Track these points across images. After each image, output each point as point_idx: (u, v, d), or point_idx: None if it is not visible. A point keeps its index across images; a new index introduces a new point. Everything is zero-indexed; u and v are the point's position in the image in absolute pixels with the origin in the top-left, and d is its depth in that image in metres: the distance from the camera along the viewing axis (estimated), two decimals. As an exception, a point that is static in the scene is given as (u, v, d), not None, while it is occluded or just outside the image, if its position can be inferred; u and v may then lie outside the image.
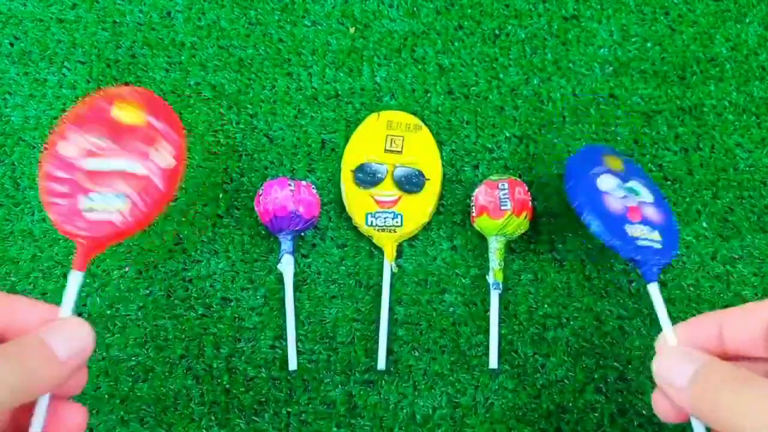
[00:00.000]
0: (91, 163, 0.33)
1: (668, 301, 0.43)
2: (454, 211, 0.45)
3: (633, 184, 0.40)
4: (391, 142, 0.45)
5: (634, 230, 0.36)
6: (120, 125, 0.34)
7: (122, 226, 0.32)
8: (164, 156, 0.34)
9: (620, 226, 0.36)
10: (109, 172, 0.33)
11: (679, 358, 0.28)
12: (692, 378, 0.27)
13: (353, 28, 0.49)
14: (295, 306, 0.42)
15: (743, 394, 0.24)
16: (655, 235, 0.37)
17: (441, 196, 0.45)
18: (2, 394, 0.23)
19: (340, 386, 0.41)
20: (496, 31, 0.49)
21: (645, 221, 0.37)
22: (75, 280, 0.30)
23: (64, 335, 0.26)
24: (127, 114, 0.34)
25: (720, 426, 0.25)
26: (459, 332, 0.42)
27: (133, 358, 0.42)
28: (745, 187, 0.45)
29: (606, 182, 0.39)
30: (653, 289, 0.34)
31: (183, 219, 0.45)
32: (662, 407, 0.29)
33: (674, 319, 0.43)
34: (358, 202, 0.44)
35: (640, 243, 0.36)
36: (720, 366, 0.27)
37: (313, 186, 0.43)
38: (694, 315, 0.42)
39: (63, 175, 0.32)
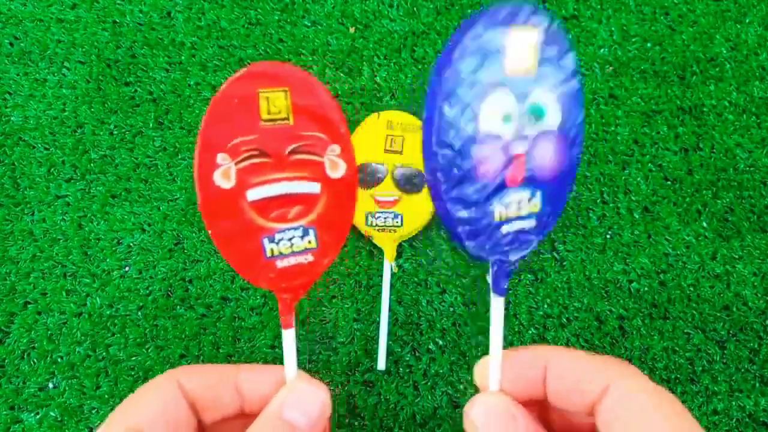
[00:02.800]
0: (257, 193, 0.26)
1: (668, 301, 0.43)
2: (454, 211, 0.45)
3: (539, 96, 0.25)
4: (391, 142, 0.45)
5: (506, 209, 0.25)
6: (273, 127, 0.25)
7: (319, 267, 0.27)
8: (336, 163, 0.26)
9: (485, 204, 0.24)
10: (278, 197, 0.26)
11: (499, 418, 0.24)
12: None
13: (353, 28, 0.49)
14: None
15: None
16: (533, 205, 0.25)
17: (441, 196, 0.45)
18: None
19: (340, 386, 0.41)
20: (496, 31, 0.49)
21: (528, 181, 0.25)
22: (290, 338, 0.26)
23: (302, 407, 0.25)
24: (279, 108, 0.25)
25: None
26: (459, 332, 0.42)
27: (133, 358, 0.42)
28: (745, 187, 0.45)
29: (494, 110, 0.24)
30: (497, 306, 0.26)
31: (183, 219, 0.45)
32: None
33: (675, 320, 0.43)
34: (358, 202, 0.44)
35: (506, 230, 0.25)
36: None
37: (314, 186, 0.43)
38: (694, 315, 0.42)
39: (230, 216, 0.25)
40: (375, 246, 0.44)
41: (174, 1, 0.50)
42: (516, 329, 0.42)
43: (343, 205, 0.26)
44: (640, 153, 0.46)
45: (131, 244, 0.44)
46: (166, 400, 0.25)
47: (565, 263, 0.44)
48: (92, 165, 0.46)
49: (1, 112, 0.47)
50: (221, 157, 0.25)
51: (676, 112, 0.47)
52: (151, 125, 0.46)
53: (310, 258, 0.26)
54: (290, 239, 0.26)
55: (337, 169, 0.26)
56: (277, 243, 0.26)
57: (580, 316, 0.42)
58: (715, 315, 0.43)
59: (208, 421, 0.26)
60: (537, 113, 0.25)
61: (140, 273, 0.44)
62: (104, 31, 0.49)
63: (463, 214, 0.24)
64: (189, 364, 0.41)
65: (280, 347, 0.42)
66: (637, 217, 0.45)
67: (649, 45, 0.49)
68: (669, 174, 0.46)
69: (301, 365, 0.41)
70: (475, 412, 0.25)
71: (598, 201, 0.45)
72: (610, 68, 0.48)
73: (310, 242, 0.26)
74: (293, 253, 0.26)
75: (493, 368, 0.26)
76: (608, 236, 0.44)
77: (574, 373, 0.24)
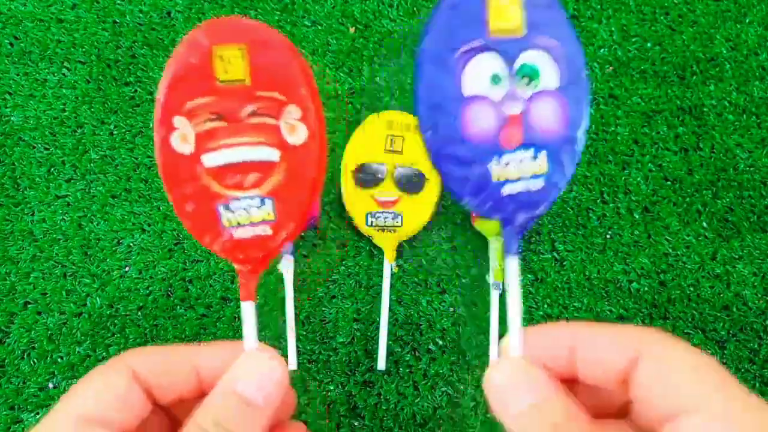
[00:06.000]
0: (213, 158, 0.25)
1: (668, 301, 0.43)
2: (454, 211, 0.45)
3: (529, 56, 0.24)
4: (391, 142, 0.45)
5: (504, 169, 0.24)
6: (230, 88, 0.24)
7: (277, 240, 0.25)
8: (295, 126, 0.25)
9: (482, 163, 0.24)
10: (235, 164, 0.25)
11: (520, 381, 0.23)
12: (526, 411, 0.23)
13: (353, 28, 0.49)
14: (295, 306, 0.42)
15: None
16: (538, 166, 0.24)
17: (441, 196, 0.45)
18: None
19: (340, 386, 0.41)
20: (496, 31, 0.49)
21: (528, 141, 0.24)
22: (249, 311, 0.25)
23: (257, 380, 0.24)
24: (236, 68, 0.24)
25: None
26: (459, 332, 0.42)
27: (133, 358, 0.42)
28: (745, 187, 0.45)
29: (477, 72, 0.24)
30: (512, 266, 0.25)
31: (183, 219, 0.45)
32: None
33: (675, 320, 0.43)
34: (358, 202, 0.44)
35: (509, 191, 0.24)
36: (559, 408, 0.23)
37: (313, 186, 0.43)
38: (694, 315, 0.42)
39: (188, 181, 0.24)
40: (375, 246, 0.44)
41: (174, 1, 0.50)
42: (516, 329, 0.42)
43: (303, 176, 0.25)
44: (640, 153, 0.46)
45: (131, 244, 0.44)
46: (118, 385, 0.24)
47: (565, 263, 0.44)
48: (92, 165, 0.46)
49: (1, 112, 0.47)
50: (179, 121, 0.24)
51: (676, 112, 0.47)
52: (151, 125, 0.46)
53: (268, 230, 0.25)
54: (247, 209, 0.25)
55: (295, 134, 0.25)
56: (234, 212, 0.25)
57: (580, 316, 0.42)
58: (715, 315, 0.43)
59: (165, 402, 0.25)
60: (530, 74, 0.24)
61: (140, 273, 0.44)
62: (104, 31, 0.49)
63: (459, 173, 0.24)
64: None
65: (281, 347, 0.42)
66: (637, 217, 0.45)
67: (649, 45, 0.49)
68: (669, 174, 0.46)
69: (301, 365, 0.41)
70: (494, 374, 0.24)
71: (598, 201, 0.45)
72: (610, 68, 0.48)
73: (268, 214, 0.25)
74: (251, 224, 0.25)
75: (513, 334, 0.24)
76: (608, 236, 0.44)
77: (603, 343, 0.23)
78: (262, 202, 0.25)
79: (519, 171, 0.24)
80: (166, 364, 0.25)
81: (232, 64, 0.24)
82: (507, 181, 0.24)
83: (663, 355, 0.22)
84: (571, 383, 0.25)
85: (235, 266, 0.25)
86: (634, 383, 0.22)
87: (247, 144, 0.24)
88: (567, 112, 0.24)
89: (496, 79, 0.24)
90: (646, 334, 0.22)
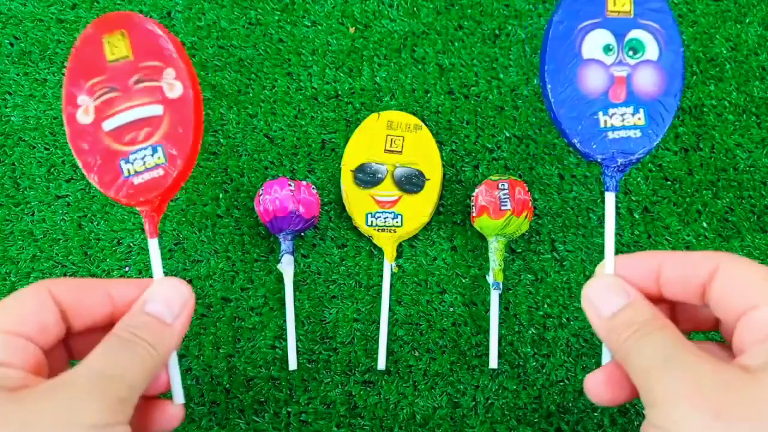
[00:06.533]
0: (111, 123, 0.31)
1: (668, 301, 0.43)
2: (454, 211, 0.45)
3: (637, 34, 0.31)
4: (391, 142, 0.45)
5: (610, 118, 0.31)
6: (118, 65, 0.31)
7: (169, 179, 0.30)
8: (172, 84, 0.31)
9: (592, 113, 0.31)
10: (129, 124, 0.31)
11: (612, 288, 0.28)
12: (616, 311, 0.27)
13: (353, 28, 0.49)
14: (295, 306, 0.42)
15: (648, 346, 0.25)
16: (638, 119, 0.31)
17: (441, 196, 0.45)
18: (138, 381, 0.26)
19: (340, 386, 0.41)
20: (496, 31, 0.49)
21: (630, 99, 0.31)
22: (154, 246, 0.31)
23: (161, 300, 0.28)
24: (120, 48, 0.31)
25: (622, 363, 0.27)
26: (459, 332, 0.42)
27: (133, 358, 0.42)
28: (745, 187, 0.46)
29: (594, 42, 0.31)
30: (609, 201, 0.30)
31: (183, 219, 0.45)
32: (599, 391, 0.29)
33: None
34: (358, 202, 0.44)
35: (612, 136, 0.31)
36: (644, 309, 0.27)
37: (313, 186, 0.43)
38: (694, 315, 0.42)
39: (92, 146, 0.31)
40: (375, 246, 0.44)
41: (174, 1, 0.50)
42: (516, 329, 0.42)
43: (185, 121, 0.31)
44: (640, 153, 0.46)
45: (131, 244, 0.44)
46: (38, 304, 0.26)
47: (565, 263, 0.44)
48: (92, 165, 0.46)
49: (1, 112, 0.47)
50: (81, 99, 0.31)
51: (676, 112, 0.47)
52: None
53: (161, 172, 0.30)
54: (143, 158, 0.30)
55: (173, 90, 0.31)
56: (132, 163, 0.30)
57: (580, 316, 0.42)
58: (715, 315, 0.43)
59: (79, 327, 0.28)
60: (636, 46, 0.31)
61: (140, 273, 0.44)
62: (104, 31, 0.49)
63: (571, 114, 0.31)
64: (189, 364, 0.41)
65: (281, 347, 0.42)
66: (637, 217, 0.45)
67: (649, 45, 0.49)
68: (669, 174, 0.46)
69: (301, 365, 0.41)
70: (588, 288, 0.29)
71: (598, 201, 0.45)
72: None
73: (159, 158, 0.30)
74: (147, 170, 0.30)
75: (608, 256, 0.30)
76: (608, 236, 0.44)
77: (684, 262, 0.27)
78: (154, 150, 0.31)
79: (621, 121, 0.31)
80: (82, 290, 0.28)
81: (117, 46, 0.31)
82: (612, 127, 0.31)
83: (737, 266, 0.26)
84: (672, 306, 0.30)
85: (138, 209, 0.31)
86: (713, 291, 0.26)
87: (137, 106, 0.31)
88: (664, 79, 0.31)
89: (608, 48, 0.31)
90: (722, 254, 0.27)
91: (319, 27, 0.49)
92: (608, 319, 0.28)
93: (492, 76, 0.48)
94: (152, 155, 0.30)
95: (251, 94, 0.48)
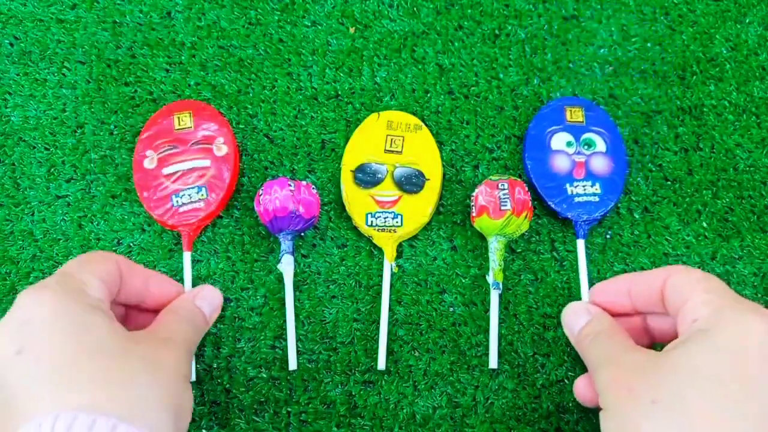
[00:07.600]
0: (169, 169, 0.43)
1: (668, 301, 0.43)
2: (454, 211, 0.45)
3: (589, 135, 0.44)
4: (391, 142, 0.45)
5: (575, 188, 0.42)
6: (182, 132, 0.44)
7: (207, 209, 0.42)
8: (221, 147, 0.43)
9: (561, 185, 0.43)
10: (184, 171, 0.43)
11: (578, 311, 0.35)
12: (582, 327, 0.34)
13: (353, 28, 0.49)
14: (295, 306, 0.42)
15: (595, 348, 0.32)
16: (596, 188, 0.42)
17: (441, 196, 0.45)
18: (189, 345, 0.33)
19: (340, 386, 0.41)
20: (496, 31, 0.49)
21: (589, 176, 0.43)
22: (188, 259, 0.42)
23: (207, 300, 0.36)
24: (185, 121, 0.44)
25: (587, 366, 0.33)
26: (459, 332, 0.42)
27: (133, 358, 0.42)
28: (745, 187, 0.46)
29: (559, 139, 0.44)
30: (580, 246, 0.42)
31: (183, 219, 0.45)
32: (581, 392, 0.35)
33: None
34: (358, 202, 0.44)
35: (578, 200, 0.42)
36: (602, 322, 0.34)
37: (313, 186, 0.43)
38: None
39: (153, 183, 0.43)
40: (375, 246, 0.44)
41: (174, 1, 0.50)
42: (516, 329, 0.42)
43: (225, 172, 0.43)
44: (640, 153, 0.46)
45: (131, 244, 0.44)
46: (114, 267, 0.32)
47: (565, 263, 0.44)
48: (92, 165, 0.46)
49: (1, 112, 0.47)
50: (149, 152, 0.43)
51: (676, 112, 0.47)
52: (151, 125, 0.46)
53: (201, 204, 0.42)
54: (190, 194, 0.42)
55: (221, 151, 0.43)
56: (180, 197, 0.42)
57: (580, 316, 0.42)
58: (715, 315, 0.43)
59: (117, 301, 0.33)
60: (590, 143, 0.44)
61: (140, 273, 0.44)
62: (104, 31, 0.49)
63: (547, 185, 0.43)
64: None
65: (281, 347, 0.42)
66: (637, 217, 0.45)
67: (649, 45, 0.49)
68: (669, 174, 0.46)
69: (301, 365, 0.41)
70: (563, 313, 0.36)
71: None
72: (610, 68, 0.49)
73: (202, 195, 0.42)
74: (191, 202, 0.42)
75: (583, 288, 0.41)
76: (608, 236, 0.44)
77: (646, 277, 0.33)
78: (199, 189, 0.42)
79: (583, 190, 0.43)
80: (132, 271, 0.33)
81: (183, 120, 0.44)
82: (577, 194, 0.43)
83: (680, 273, 0.31)
84: (643, 316, 0.35)
85: (180, 230, 0.42)
86: (665, 296, 0.32)
87: (192, 159, 0.43)
88: (611, 164, 0.44)
89: (569, 143, 0.44)
90: (674, 267, 0.33)
91: (319, 27, 0.49)
92: (576, 334, 0.34)
93: (492, 76, 0.48)
94: (197, 192, 0.42)
95: (251, 94, 0.48)
